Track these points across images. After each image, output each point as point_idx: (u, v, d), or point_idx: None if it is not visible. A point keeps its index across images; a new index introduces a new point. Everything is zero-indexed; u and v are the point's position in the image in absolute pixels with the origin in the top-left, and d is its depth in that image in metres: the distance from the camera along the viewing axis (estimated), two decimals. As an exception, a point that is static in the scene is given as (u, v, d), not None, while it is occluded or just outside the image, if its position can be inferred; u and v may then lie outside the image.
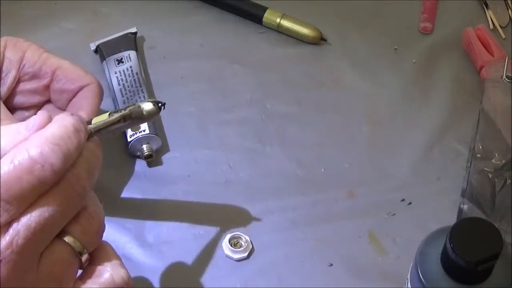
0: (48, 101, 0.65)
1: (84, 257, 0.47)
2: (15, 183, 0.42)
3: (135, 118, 0.50)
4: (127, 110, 0.50)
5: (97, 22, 0.82)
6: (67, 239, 0.46)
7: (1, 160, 0.43)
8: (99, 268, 0.48)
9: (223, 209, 0.68)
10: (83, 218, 0.47)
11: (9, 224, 0.43)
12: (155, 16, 0.83)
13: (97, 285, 0.47)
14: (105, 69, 0.75)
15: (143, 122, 0.51)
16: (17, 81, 0.62)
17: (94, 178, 0.47)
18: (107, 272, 0.48)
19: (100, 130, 0.49)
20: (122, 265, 0.49)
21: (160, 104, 0.51)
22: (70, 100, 0.64)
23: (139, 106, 0.50)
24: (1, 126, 0.45)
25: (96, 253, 0.49)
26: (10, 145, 0.44)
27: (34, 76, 0.63)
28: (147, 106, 0.51)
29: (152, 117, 0.51)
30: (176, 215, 0.68)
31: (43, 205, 0.43)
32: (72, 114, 0.46)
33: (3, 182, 0.42)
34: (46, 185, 0.44)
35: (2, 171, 0.42)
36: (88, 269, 0.48)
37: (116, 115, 0.49)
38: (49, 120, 0.46)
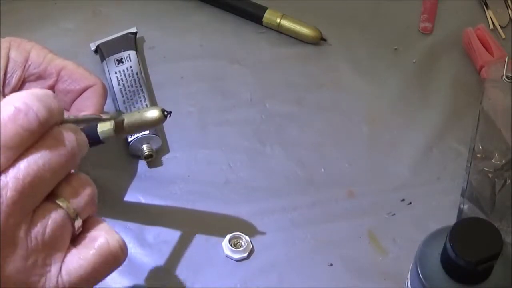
0: None
1: (77, 223, 0.47)
2: (1, 132, 0.43)
3: (145, 126, 0.50)
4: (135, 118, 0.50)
5: (97, 22, 0.82)
6: (60, 201, 0.46)
7: None
8: (93, 233, 0.48)
9: (223, 209, 0.68)
10: (75, 182, 0.47)
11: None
12: (155, 16, 0.83)
13: (92, 249, 0.47)
14: (105, 69, 0.75)
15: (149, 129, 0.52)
16: (22, 81, 0.63)
17: (82, 150, 0.47)
18: (101, 236, 0.48)
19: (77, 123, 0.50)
20: (116, 232, 0.49)
21: (166, 113, 0.52)
22: (74, 100, 0.64)
23: (146, 116, 0.51)
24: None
25: (89, 224, 0.48)
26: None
27: (40, 77, 0.63)
28: (153, 114, 0.52)
29: (158, 125, 0.52)
30: (176, 215, 0.68)
31: (31, 157, 0.44)
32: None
33: None
34: (31, 134, 0.44)
35: None
36: (81, 236, 0.48)
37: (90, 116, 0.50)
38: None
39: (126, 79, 0.74)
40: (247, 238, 0.66)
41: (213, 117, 0.75)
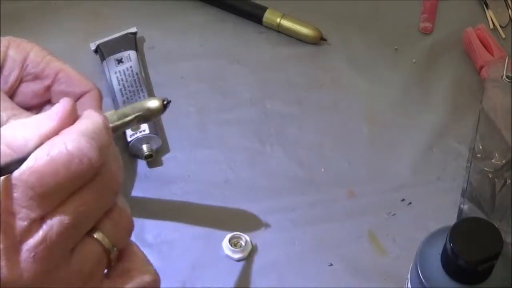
0: (48, 102, 0.65)
1: (113, 254, 0.46)
2: (51, 177, 0.41)
3: (145, 118, 0.49)
4: (138, 112, 0.49)
5: (97, 22, 0.82)
6: (97, 235, 0.45)
7: (36, 153, 0.41)
8: (127, 266, 0.47)
9: (223, 209, 0.68)
10: (114, 214, 0.46)
11: (42, 218, 0.41)
12: (155, 16, 0.83)
13: (128, 285, 0.46)
14: (105, 69, 0.75)
15: (150, 121, 0.51)
16: (19, 81, 0.62)
17: (122, 176, 0.46)
18: (136, 271, 0.47)
19: (117, 129, 0.48)
20: (150, 263, 0.48)
21: (165, 102, 0.51)
22: None
23: (147, 106, 0.50)
24: (19, 120, 0.44)
25: (123, 252, 0.47)
26: (34, 137, 0.42)
27: (37, 77, 0.63)
28: (154, 103, 0.50)
29: (159, 115, 0.51)
30: (176, 215, 0.68)
31: (78, 201, 0.42)
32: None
33: (38, 176, 0.41)
34: (82, 180, 0.42)
35: (37, 165, 0.41)
36: (116, 267, 0.47)
37: (131, 117, 0.49)
38: (74, 109, 0.44)
39: (126, 79, 0.74)
40: (247, 238, 0.66)
41: (213, 117, 0.75)
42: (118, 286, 0.46)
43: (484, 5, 0.84)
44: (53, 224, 0.41)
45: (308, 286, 0.64)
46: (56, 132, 0.43)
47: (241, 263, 0.65)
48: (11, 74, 0.61)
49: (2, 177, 0.40)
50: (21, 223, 0.41)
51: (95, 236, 0.44)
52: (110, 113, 0.50)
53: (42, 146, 0.42)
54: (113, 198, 0.45)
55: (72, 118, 0.44)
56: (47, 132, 0.43)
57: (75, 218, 0.42)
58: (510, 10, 0.84)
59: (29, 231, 0.41)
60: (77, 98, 0.63)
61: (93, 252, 0.44)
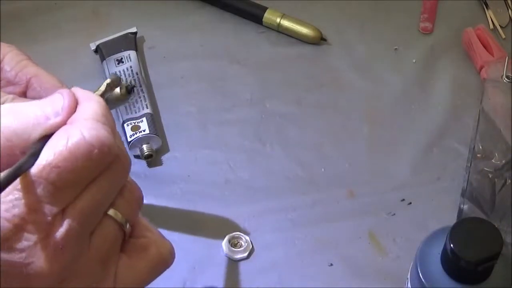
0: None
1: (127, 229, 0.45)
2: (72, 171, 0.40)
3: (114, 85, 0.49)
4: (107, 80, 0.49)
5: (97, 22, 0.82)
6: (112, 213, 0.44)
7: (52, 145, 0.40)
8: (143, 241, 0.47)
9: (223, 209, 0.68)
10: (125, 190, 0.45)
11: (64, 210, 0.41)
12: (155, 16, 0.83)
13: (145, 261, 0.46)
14: (105, 69, 0.75)
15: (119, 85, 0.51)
16: None
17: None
18: (152, 246, 0.47)
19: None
20: (164, 236, 0.48)
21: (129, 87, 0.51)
22: None
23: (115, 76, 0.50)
24: (14, 105, 0.43)
25: (137, 227, 0.47)
26: (37, 129, 0.41)
27: (9, 83, 0.60)
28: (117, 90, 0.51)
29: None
30: (176, 215, 0.68)
31: (96, 187, 0.42)
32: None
33: (59, 171, 0.40)
34: (102, 168, 0.42)
35: (56, 160, 0.40)
36: (131, 242, 0.46)
37: (103, 86, 0.49)
38: (75, 99, 0.43)
39: (126, 79, 0.74)
40: (247, 238, 0.66)
41: (213, 117, 0.75)
42: (137, 262, 0.46)
43: (484, 5, 0.84)
44: (75, 214, 0.41)
45: (308, 286, 0.64)
46: (61, 126, 0.42)
47: (241, 263, 0.65)
48: None
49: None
50: (45, 219, 0.40)
51: (109, 214, 0.44)
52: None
53: (56, 138, 0.41)
54: (127, 177, 0.45)
55: (74, 106, 0.43)
56: (53, 128, 0.42)
57: (95, 205, 0.42)
58: (510, 10, 0.84)
59: (53, 224, 0.40)
60: None
61: (110, 231, 0.44)
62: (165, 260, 0.47)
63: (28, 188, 0.40)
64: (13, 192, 0.40)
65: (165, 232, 0.66)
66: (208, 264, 0.65)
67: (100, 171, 0.42)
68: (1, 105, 0.43)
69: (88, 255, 0.43)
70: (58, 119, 0.42)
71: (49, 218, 0.40)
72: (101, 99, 0.44)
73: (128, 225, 0.45)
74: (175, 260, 0.65)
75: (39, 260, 0.40)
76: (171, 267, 0.64)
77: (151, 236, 0.47)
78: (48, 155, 0.40)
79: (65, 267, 0.41)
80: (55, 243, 0.41)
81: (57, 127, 0.42)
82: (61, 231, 0.41)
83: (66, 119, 0.43)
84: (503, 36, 0.82)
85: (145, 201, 0.68)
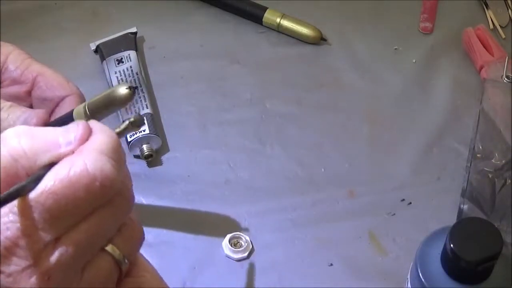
0: (30, 107, 0.63)
1: (124, 267, 0.44)
2: (69, 200, 0.39)
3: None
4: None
5: (97, 22, 0.82)
6: (110, 249, 0.43)
7: (54, 173, 0.40)
8: (139, 281, 0.46)
9: (223, 209, 0.68)
10: (126, 227, 0.44)
11: (57, 239, 0.40)
12: (155, 16, 0.83)
13: None
14: (105, 69, 0.75)
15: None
16: None
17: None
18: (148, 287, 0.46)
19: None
20: (162, 280, 0.47)
21: (132, 88, 0.50)
22: (53, 109, 0.61)
23: (116, 92, 0.49)
24: (30, 128, 0.43)
25: (133, 265, 0.46)
26: (46, 154, 0.41)
27: (15, 81, 0.61)
28: (122, 90, 0.50)
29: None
30: (176, 215, 0.68)
31: (94, 221, 0.41)
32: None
33: (56, 198, 0.39)
34: (101, 202, 0.41)
35: (55, 187, 0.39)
36: (126, 281, 0.45)
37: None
38: (90, 131, 0.42)
39: (126, 79, 0.74)
40: (247, 238, 0.66)
41: (213, 117, 0.75)
42: None
43: (484, 5, 0.84)
44: (68, 246, 0.40)
45: (308, 286, 0.64)
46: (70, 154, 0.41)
47: (241, 263, 0.65)
48: None
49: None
50: (37, 245, 0.39)
51: (106, 249, 0.43)
52: (83, 106, 0.49)
53: (60, 165, 0.40)
54: (128, 214, 0.44)
55: (87, 137, 0.42)
56: (61, 156, 0.41)
57: (90, 239, 0.41)
58: (510, 10, 0.84)
59: (44, 252, 0.40)
60: (57, 102, 0.61)
61: (105, 266, 0.43)
62: None
63: (25, 212, 0.39)
64: (9, 215, 0.39)
65: (165, 232, 0.67)
66: (208, 264, 0.65)
67: (100, 204, 0.41)
68: (19, 126, 0.42)
69: (80, 286, 0.42)
70: (69, 149, 0.41)
71: (40, 245, 0.39)
72: (113, 133, 0.42)
73: (125, 263, 0.44)
74: (175, 260, 0.65)
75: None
76: (171, 267, 0.65)
77: (148, 277, 0.46)
78: (49, 181, 0.39)
79: None
80: (42, 272, 0.39)
81: (65, 156, 0.41)
82: (51, 260, 0.40)
83: (76, 149, 0.41)
84: (503, 36, 0.82)
85: (145, 201, 0.69)
